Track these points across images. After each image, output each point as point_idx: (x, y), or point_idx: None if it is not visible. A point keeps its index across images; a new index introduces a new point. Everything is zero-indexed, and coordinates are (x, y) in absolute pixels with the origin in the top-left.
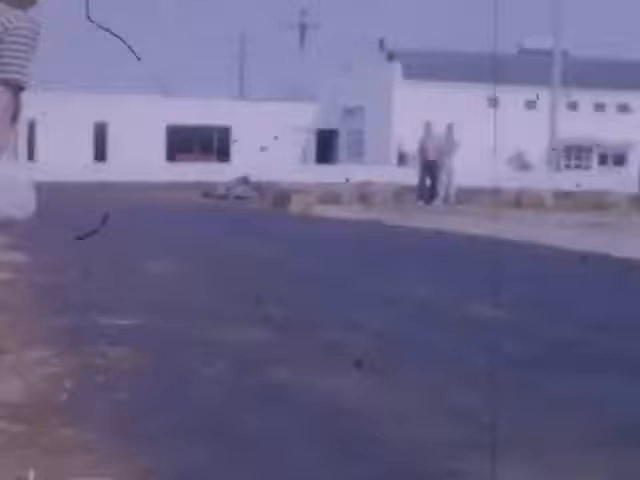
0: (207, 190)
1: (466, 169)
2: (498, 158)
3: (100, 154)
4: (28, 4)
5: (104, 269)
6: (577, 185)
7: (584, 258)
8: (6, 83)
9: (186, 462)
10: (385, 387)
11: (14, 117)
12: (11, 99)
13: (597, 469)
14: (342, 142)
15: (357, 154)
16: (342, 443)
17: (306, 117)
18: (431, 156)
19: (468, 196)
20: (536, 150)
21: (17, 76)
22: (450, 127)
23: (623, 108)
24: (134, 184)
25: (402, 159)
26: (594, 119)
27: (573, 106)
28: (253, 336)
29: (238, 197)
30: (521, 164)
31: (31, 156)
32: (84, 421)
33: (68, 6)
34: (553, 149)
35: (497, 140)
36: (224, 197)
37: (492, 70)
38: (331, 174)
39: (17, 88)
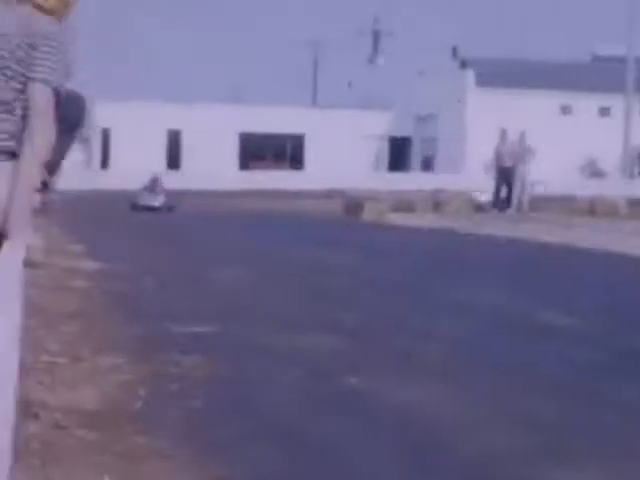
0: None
1: (539, 177)
2: (571, 166)
3: (173, 162)
4: (61, 11)
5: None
6: None
7: None
8: (45, 83)
9: (258, 469)
10: (459, 395)
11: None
12: (51, 99)
13: None
14: (415, 150)
15: (430, 162)
16: (416, 451)
17: (379, 125)
18: (507, 163)
19: (541, 204)
20: (610, 157)
21: (50, 78)
22: (522, 134)
23: None
24: (208, 192)
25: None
26: None
27: None
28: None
29: (150, 208)
30: (593, 172)
31: (104, 164)
32: (157, 429)
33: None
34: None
35: (570, 148)
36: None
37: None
38: (404, 182)
39: (54, 90)
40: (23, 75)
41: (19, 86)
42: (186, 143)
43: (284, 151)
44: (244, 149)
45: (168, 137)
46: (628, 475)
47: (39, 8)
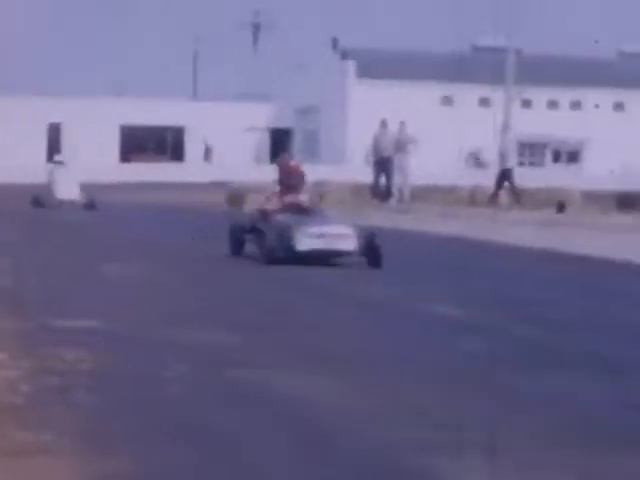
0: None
1: (421, 168)
2: (453, 157)
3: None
4: None
5: None
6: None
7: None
8: None
9: (142, 464)
10: (353, 388)
11: None
12: None
13: (558, 466)
14: (297, 141)
15: (312, 153)
16: (307, 443)
17: (260, 117)
18: (385, 153)
19: (423, 194)
20: (491, 148)
21: None
22: (402, 124)
23: (576, 105)
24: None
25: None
26: (548, 116)
27: (527, 104)
28: None
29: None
30: (476, 162)
31: None
32: (41, 424)
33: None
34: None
35: (451, 138)
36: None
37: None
38: None
39: None
40: None
41: None
42: (67, 136)
43: (165, 143)
44: (125, 142)
45: (49, 130)
46: (517, 464)
47: None
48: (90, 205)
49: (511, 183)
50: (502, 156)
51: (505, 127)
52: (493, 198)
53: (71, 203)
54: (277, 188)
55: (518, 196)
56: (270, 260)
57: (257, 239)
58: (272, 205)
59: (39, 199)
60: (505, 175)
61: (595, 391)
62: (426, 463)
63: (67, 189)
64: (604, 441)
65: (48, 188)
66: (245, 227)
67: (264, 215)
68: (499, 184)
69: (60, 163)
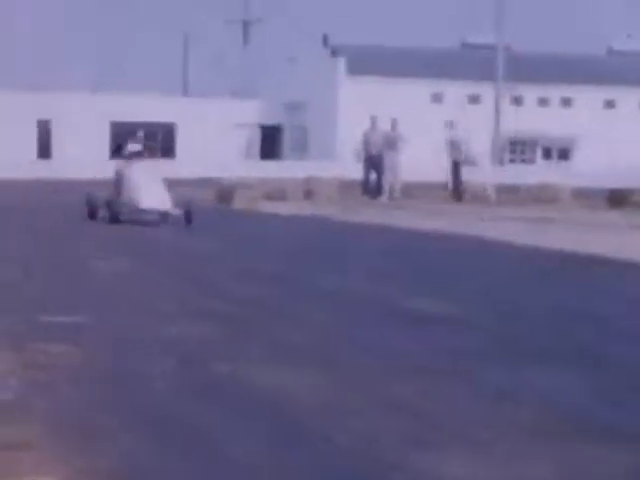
0: None
1: (411, 164)
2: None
3: (44, 151)
4: None
5: None
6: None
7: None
8: None
9: (126, 460)
10: (332, 383)
11: None
12: None
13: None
14: (286, 138)
15: (301, 149)
16: (286, 437)
17: (250, 113)
18: (375, 150)
19: (414, 191)
20: (480, 145)
21: None
22: (394, 121)
23: (566, 102)
24: (79, 181)
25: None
26: (538, 113)
27: (517, 101)
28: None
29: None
30: (466, 159)
31: None
32: (26, 419)
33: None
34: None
35: (442, 135)
36: None
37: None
38: (277, 169)
39: None
40: None
41: None
42: (56, 133)
43: (155, 140)
44: (116, 138)
45: (38, 127)
46: (497, 461)
47: None
48: (188, 217)
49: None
50: (453, 146)
51: (453, 122)
52: (455, 194)
53: (163, 215)
54: None
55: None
56: None
57: None
58: None
59: (111, 206)
60: (456, 168)
61: (555, 384)
62: (406, 456)
63: (154, 194)
64: (580, 434)
65: (118, 192)
66: None
67: None
68: (456, 178)
69: (138, 154)
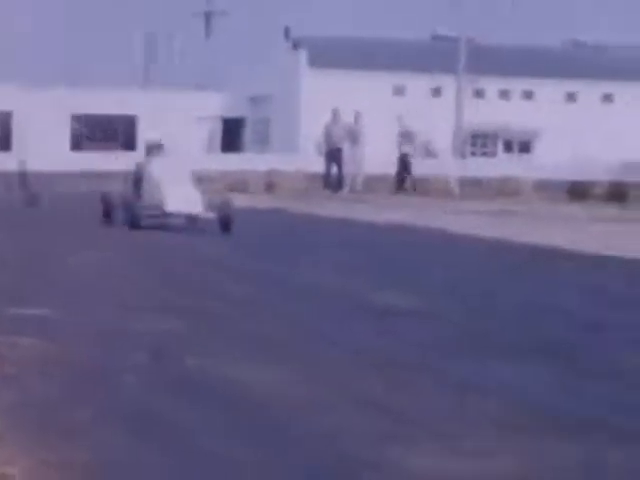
0: None
1: (372, 157)
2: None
3: (4, 143)
4: None
5: None
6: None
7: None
8: None
9: (92, 454)
10: (302, 377)
11: None
12: None
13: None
14: (249, 131)
15: (264, 142)
16: (255, 431)
17: (212, 106)
18: (336, 143)
19: (375, 184)
20: (442, 138)
21: None
22: (358, 114)
23: (528, 95)
24: (39, 173)
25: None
26: (500, 106)
27: (479, 93)
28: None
29: None
30: (427, 152)
31: None
32: None
33: None
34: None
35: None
36: None
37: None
38: (238, 162)
39: None
40: None
41: None
42: (17, 124)
43: (116, 132)
44: (77, 131)
45: None
46: (469, 455)
47: None
48: (226, 223)
49: (408, 170)
50: (405, 138)
51: (401, 115)
52: (399, 186)
53: (192, 219)
54: None
55: (413, 183)
56: None
57: None
58: None
59: (130, 209)
60: (404, 161)
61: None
62: (373, 450)
63: (181, 195)
64: (546, 425)
65: (137, 193)
66: None
67: None
68: (401, 171)
69: (159, 147)
